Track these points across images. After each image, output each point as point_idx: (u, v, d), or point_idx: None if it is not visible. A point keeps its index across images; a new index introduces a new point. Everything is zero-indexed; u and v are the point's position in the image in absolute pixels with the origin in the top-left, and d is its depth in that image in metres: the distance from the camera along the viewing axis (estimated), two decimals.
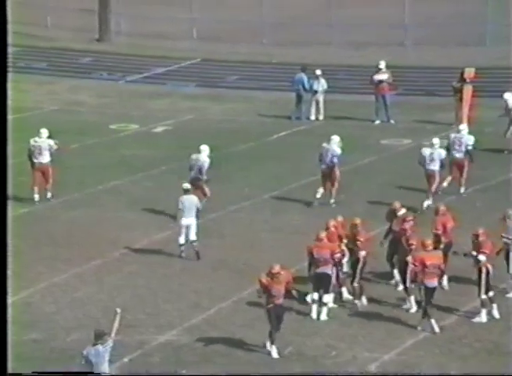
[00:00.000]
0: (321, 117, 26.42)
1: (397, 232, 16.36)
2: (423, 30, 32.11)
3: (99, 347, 12.44)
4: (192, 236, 17.79)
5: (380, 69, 25.99)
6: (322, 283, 15.36)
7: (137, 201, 20.60)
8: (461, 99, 25.13)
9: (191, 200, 17.83)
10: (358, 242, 15.75)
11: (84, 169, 22.44)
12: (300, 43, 32.67)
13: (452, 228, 16.54)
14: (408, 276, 15.56)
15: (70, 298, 16.30)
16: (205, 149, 19.88)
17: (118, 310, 12.61)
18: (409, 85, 28.29)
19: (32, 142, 20.76)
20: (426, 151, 20.29)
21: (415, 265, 15.02)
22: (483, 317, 15.42)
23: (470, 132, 21.29)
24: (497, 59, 29.83)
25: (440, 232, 16.39)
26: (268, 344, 14.39)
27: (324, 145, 20.23)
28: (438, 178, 20.10)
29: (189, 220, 17.73)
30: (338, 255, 15.51)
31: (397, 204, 16.77)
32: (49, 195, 20.67)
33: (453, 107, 25.46)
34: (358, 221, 16.01)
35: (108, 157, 23.38)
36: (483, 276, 15.30)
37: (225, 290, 16.42)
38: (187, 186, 18.07)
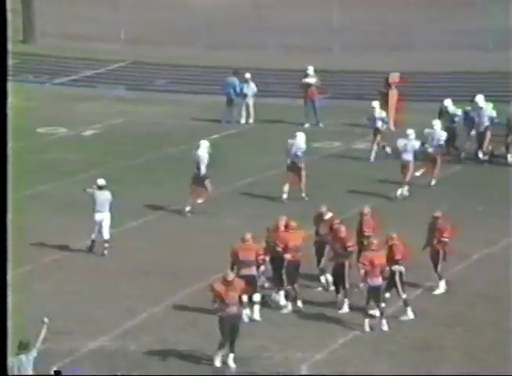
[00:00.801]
0: (251, 121, 26.48)
1: (323, 235, 16.46)
2: (351, 36, 32.39)
3: (22, 357, 12.31)
4: (106, 235, 17.86)
5: (308, 74, 26.18)
6: (249, 285, 15.20)
7: (65, 206, 20.37)
8: (387, 103, 25.43)
9: (105, 196, 17.94)
10: (280, 245, 15.75)
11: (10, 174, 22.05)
12: (229, 46, 32.67)
13: (378, 229, 16.74)
14: (346, 277, 15.67)
15: None
16: (204, 143, 19.98)
17: (46, 320, 12.46)
18: (337, 89, 28.52)
19: None
20: (401, 142, 21.07)
21: (364, 265, 15.17)
22: (409, 314, 15.66)
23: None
24: (424, 63, 30.28)
25: (371, 233, 16.55)
26: (216, 359, 14.08)
27: (289, 141, 20.89)
28: (411, 168, 20.82)
29: (103, 215, 17.84)
30: (262, 257, 15.49)
31: (323, 208, 16.86)
32: None
33: None
34: (281, 223, 15.98)
35: (35, 162, 23.07)
36: (397, 278, 15.58)
37: (157, 294, 16.32)
38: (102, 182, 18.17)
